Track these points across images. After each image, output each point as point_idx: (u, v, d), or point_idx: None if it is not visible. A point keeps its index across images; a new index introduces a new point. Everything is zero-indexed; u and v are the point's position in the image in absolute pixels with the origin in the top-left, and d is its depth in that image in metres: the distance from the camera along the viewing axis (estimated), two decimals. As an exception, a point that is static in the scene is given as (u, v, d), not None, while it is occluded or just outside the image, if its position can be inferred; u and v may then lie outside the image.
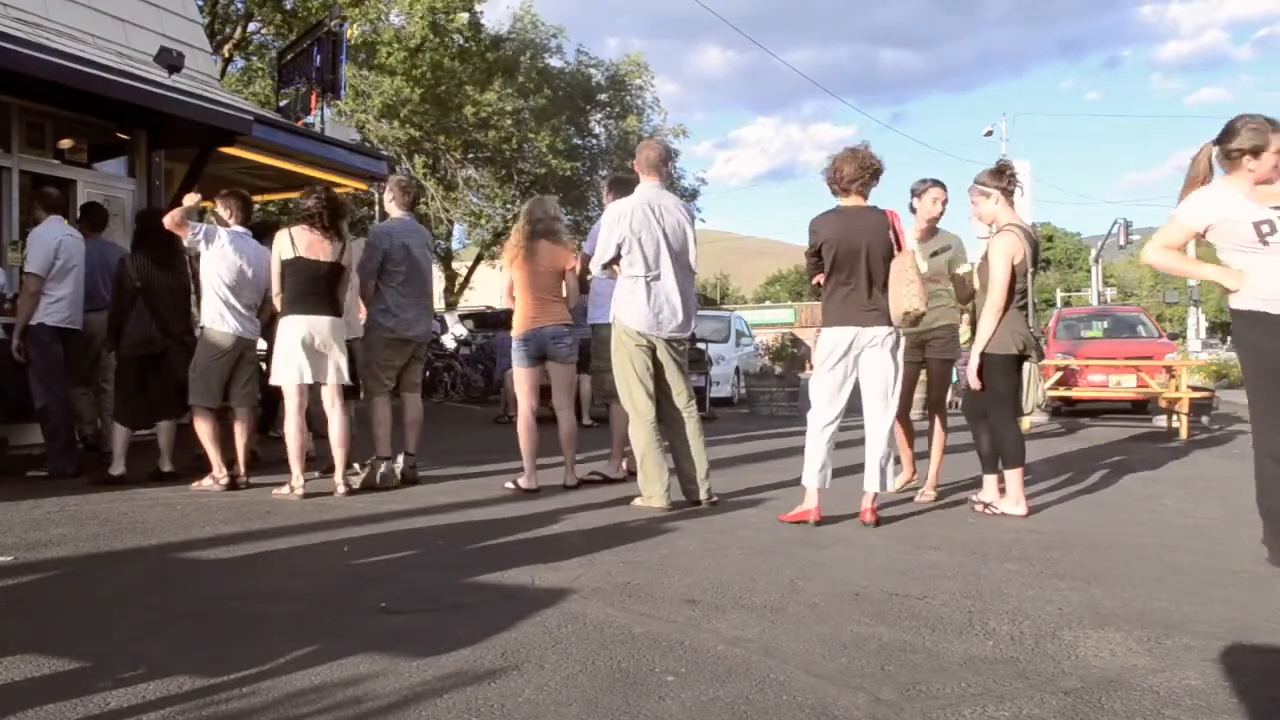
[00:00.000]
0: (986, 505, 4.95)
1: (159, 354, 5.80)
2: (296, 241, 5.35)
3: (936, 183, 5.58)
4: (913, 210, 5.56)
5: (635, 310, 5.02)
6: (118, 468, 5.74)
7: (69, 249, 6.12)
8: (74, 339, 6.24)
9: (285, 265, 5.36)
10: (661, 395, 5.12)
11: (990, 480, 5.03)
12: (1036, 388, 4.91)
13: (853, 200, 4.61)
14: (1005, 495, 4.93)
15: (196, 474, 5.70)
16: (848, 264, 4.51)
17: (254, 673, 2.44)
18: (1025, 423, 10.82)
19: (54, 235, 6.08)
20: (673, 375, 5.14)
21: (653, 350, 5.07)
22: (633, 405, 5.06)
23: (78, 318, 6.20)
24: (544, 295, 5.59)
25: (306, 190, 5.60)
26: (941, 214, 5.57)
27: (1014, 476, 4.88)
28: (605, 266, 5.12)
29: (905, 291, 4.40)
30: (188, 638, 2.80)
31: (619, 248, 5.01)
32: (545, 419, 5.72)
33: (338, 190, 9.26)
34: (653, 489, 4.97)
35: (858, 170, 4.57)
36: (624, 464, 6.01)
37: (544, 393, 5.75)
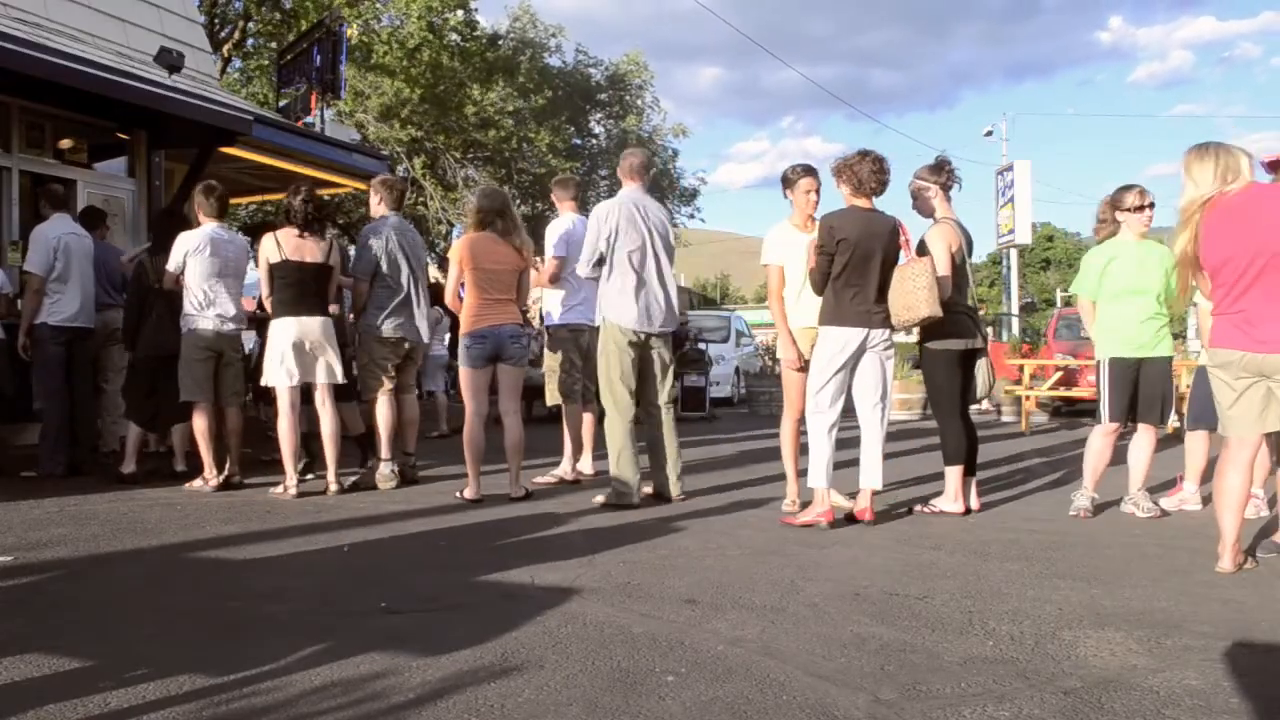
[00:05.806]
0: (926, 504, 4.97)
1: (170, 356, 5.79)
2: (283, 244, 5.37)
3: (809, 170, 5.03)
4: (786, 198, 5.07)
5: (625, 307, 5.08)
6: (128, 466, 5.78)
7: (71, 247, 6.08)
8: (88, 337, 6.23)
9: (273, 268, 5.39)
10: (643, 392, 5.20)
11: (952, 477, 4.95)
12: (985, 381, 4.91)
13: (864, 202, 4.62)
14: (944, 492, 4.93)
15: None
16: (861, 265, 4.50)
17: (254, 673, 2.44)
18: (1024, 423, 10.84)
19: (55, 233, 6.05)
20: (659, 372, 5.24)
21: (641, 347, 5.13)
22: (613, 400, 5.13)
23: (85, 316, 6.17)
24: (497, 294, 5.27)
25: (292, 188, 5.56)
26: (817, 204, 4.98)
27: (953, 474, 4.90)
28: (595, 266, 5.16)
29: (922, 298, 4.43)
30: (188, 638, 2.80)
31: (608, 244, 5.07)
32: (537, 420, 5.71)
33: (338, 190, 9.24)
34: (625, 485, 5.02)
35: (877, 174, 4.57)
36: (575, 464, 6.11)
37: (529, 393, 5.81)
